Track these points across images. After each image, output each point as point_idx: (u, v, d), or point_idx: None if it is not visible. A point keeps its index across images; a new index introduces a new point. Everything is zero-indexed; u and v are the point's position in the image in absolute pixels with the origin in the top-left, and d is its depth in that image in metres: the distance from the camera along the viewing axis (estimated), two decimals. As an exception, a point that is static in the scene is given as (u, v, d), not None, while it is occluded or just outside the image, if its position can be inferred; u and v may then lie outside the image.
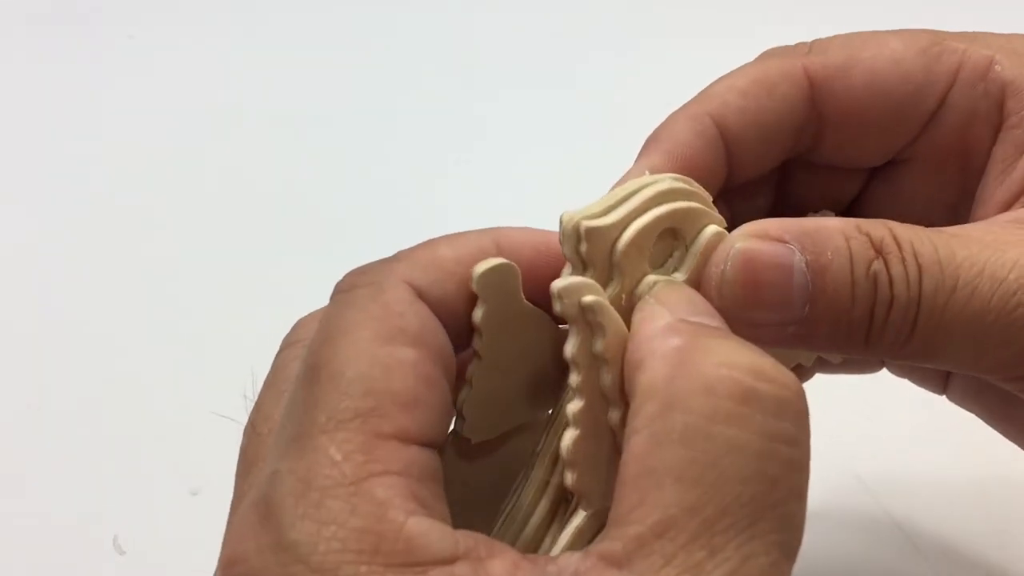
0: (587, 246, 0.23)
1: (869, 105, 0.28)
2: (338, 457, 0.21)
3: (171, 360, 0.47)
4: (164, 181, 0.57)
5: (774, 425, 0.19)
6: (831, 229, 0.24)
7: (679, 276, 0.24)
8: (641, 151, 0.28)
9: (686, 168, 0.26)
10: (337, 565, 0.19)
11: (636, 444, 0.20)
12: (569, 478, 0.23)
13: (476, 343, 0.24)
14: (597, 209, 0.23)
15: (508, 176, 0.57)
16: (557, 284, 0.22)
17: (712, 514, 0.18)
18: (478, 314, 0.24)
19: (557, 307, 0.22)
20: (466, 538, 0.20)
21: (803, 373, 0.32)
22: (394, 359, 0.22)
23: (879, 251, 0.23)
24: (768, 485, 0.19)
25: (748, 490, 0.19)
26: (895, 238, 0.24)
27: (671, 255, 0.24)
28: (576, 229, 0.23)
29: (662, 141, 0.28)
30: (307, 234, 0.54)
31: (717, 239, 0.24)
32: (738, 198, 0.30)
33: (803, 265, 0.23)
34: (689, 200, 0.24)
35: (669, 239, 0.24)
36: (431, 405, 0.22)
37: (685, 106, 0.28)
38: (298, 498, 0.20)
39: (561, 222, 0.23)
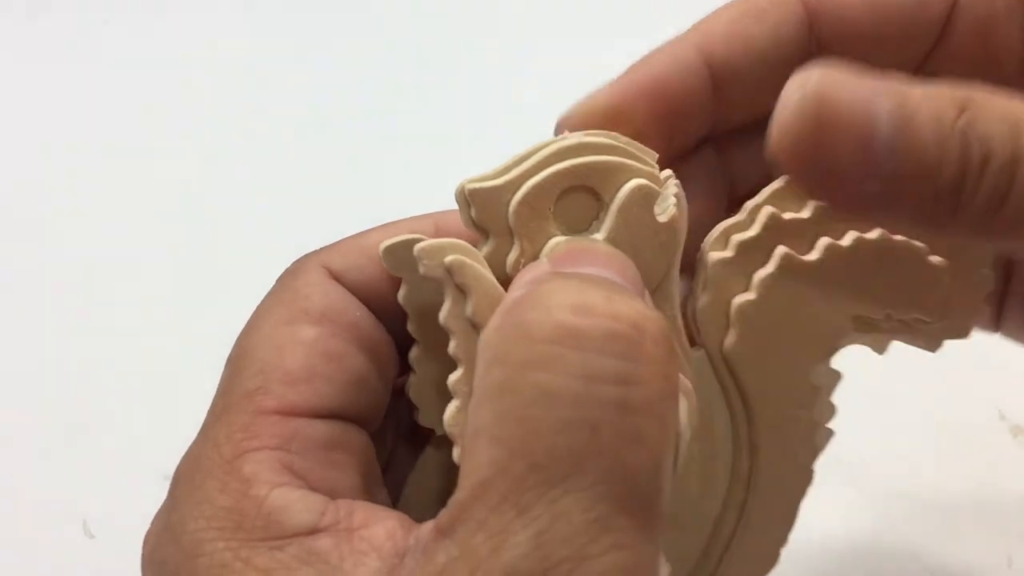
0: (476, 210, 0.21)
1: (871, 24, 0.25)
2: (222, 438, 0.21)
3: (142, 340, 0.47)
4: (138, 169, 0.56)
5: (596, 363, 0.17)
6: (914, 86, 0.20)
7: (598, 237, 0.22)
8: (613, 80, 0.26)
9: (660, 94, 0.24)
10: (200, 543, 0.20)
11: (470, 407, 0.19)
12: (455, 453, 0.21)
13: (409, 326, 0.23)
14: (492, 172, 0.22)
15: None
16: (419, 245, 0.21)
17: (522, 471, 0.17)
18: (400, 295, 0.23)
19: (421, 270, 0.21)
20: (341, 508, 0.20)
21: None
22: (289, 338, 0.22)
23: (967, 107, 0.20)
24: (588, 431, 0.17)
25: (563, 440, 0.17)
26: (985, 96, 0.20)
27: (597, 217, 0.22)
28: (462, 193, 0.21)
29: (634, 68, 0.25)
30: (292, 223, 0.53)
31: (638, 192, 0.22)
32: (734, 146, 0.28)
33: (886, 113, 0.19)
34: (605, 154, 0.22)
35: (588, 199, 0.22)
36: (330, 378, 0.22)
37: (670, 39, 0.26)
38: (186, 482, 0.21)
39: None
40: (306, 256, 0.24)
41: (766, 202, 0.24)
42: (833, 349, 0.25)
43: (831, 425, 0.27)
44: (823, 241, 0.24)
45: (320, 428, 0.22)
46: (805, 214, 0.24)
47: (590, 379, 0.17)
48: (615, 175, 0.22)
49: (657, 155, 0.23)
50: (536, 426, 0.17)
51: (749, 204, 0.24)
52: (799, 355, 0.24)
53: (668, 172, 0.23)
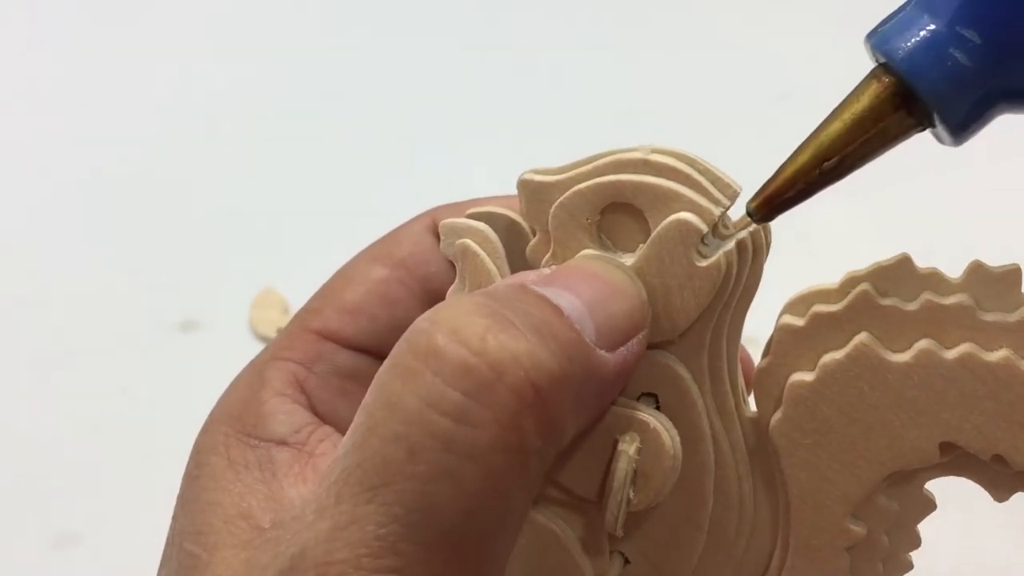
0: (524, 203, 0.21)
1: None
2: (278, 342, 0.24)
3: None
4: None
5: (439, 391, 0.17)
6: None
7: (627, 259, 0.20)
8: None
9: None
10: (211, 422, 0.23)
11: None
12: None
13: None
14: (556, 167, 0.21)
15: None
16: (444, 222, 0.22)
17: (351, 464, 0.17)
18: None
19: (441, 246, 0.22)
20: (317, 432, 0.22)
21: None
22: (362, 273, 0.24)
23: None
24: (406, 452, 0.17)
25: (384, 451, 0.17)
26: None
27: (646, 242, 0.20)
28: (518, 182, 0.21)
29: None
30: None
31: (675, 227, 0.20)
32: None
33: None
34: (664, 178, 0.20)
35: (637, 221, 0.20)
36: (375, 317, 0.24)
37: None
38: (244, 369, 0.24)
39: None
40: (431, 209, 0.26)
41: (867, 277, 0.20)
42: (907, 470, 0.21)
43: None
44: (923, 343, 0.20)
45: (346, 358, 0.24)
46: (913, 307, 0.20)
47: (430, 404, 0.17)
48: (667, 202, 0.20)
49: (739, 192, 0.20)
50: (374, 429, 0.17)
51: (850, 273, 0.21)
52: (858, 464, 0.20)
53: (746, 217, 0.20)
